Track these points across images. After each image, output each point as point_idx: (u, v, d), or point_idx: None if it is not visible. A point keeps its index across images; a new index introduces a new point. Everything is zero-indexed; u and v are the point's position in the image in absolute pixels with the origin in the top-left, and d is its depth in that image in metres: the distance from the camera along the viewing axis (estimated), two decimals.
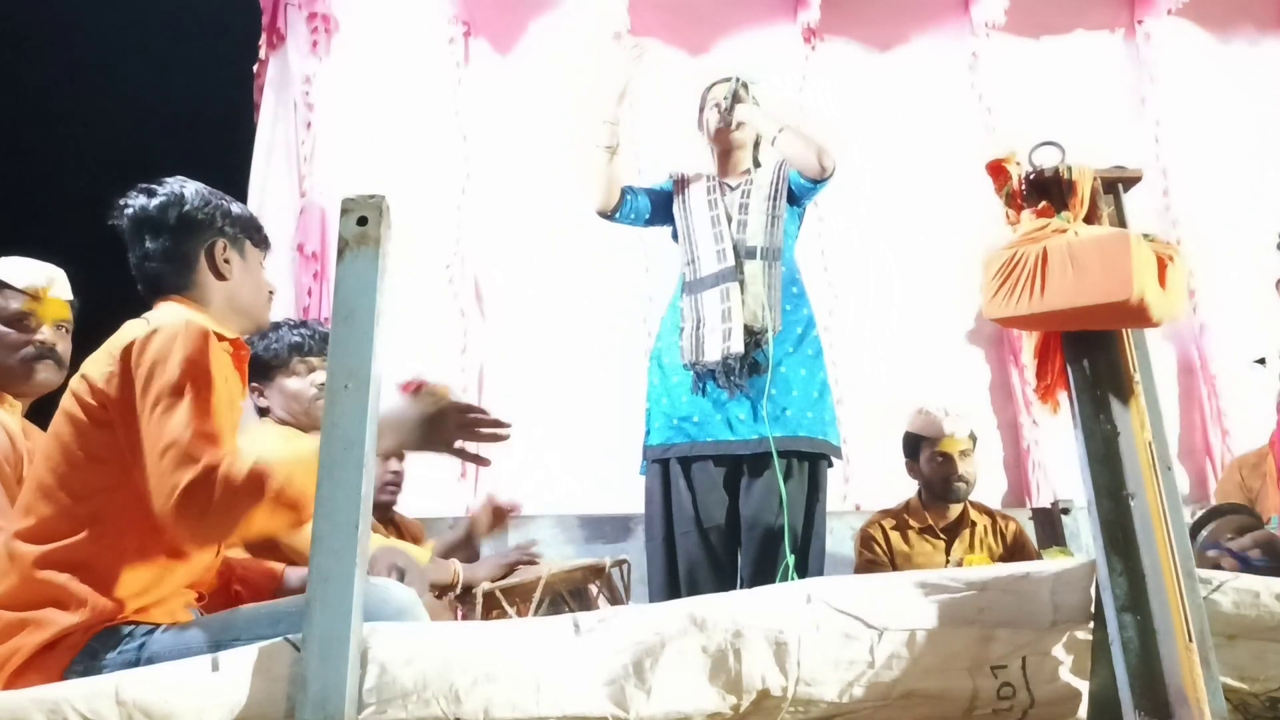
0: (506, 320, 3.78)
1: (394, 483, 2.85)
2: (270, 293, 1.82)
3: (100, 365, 1.51)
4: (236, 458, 1.42)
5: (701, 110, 2.98)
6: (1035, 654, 1.36)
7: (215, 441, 1.43)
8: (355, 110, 3.78)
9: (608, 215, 2.87)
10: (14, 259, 2.07)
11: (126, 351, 1.49)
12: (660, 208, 2.93)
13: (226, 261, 1.71)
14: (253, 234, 1.77)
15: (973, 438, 3.07)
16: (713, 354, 2.63)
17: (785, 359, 2.64)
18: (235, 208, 1.75)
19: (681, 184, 2.92)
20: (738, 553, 2.64)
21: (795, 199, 2.82)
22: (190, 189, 1.71)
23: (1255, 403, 3.43)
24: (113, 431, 1.48)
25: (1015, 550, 3.02)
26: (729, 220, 2.78)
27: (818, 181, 2.73)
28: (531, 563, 2.29)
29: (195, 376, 1.46)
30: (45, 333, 2.02)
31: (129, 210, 1.69)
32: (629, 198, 2.87)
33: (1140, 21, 4.29)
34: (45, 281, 2.05)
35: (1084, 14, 4.29)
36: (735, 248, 2.73)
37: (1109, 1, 4.33)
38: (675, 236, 2.94)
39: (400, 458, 2.99)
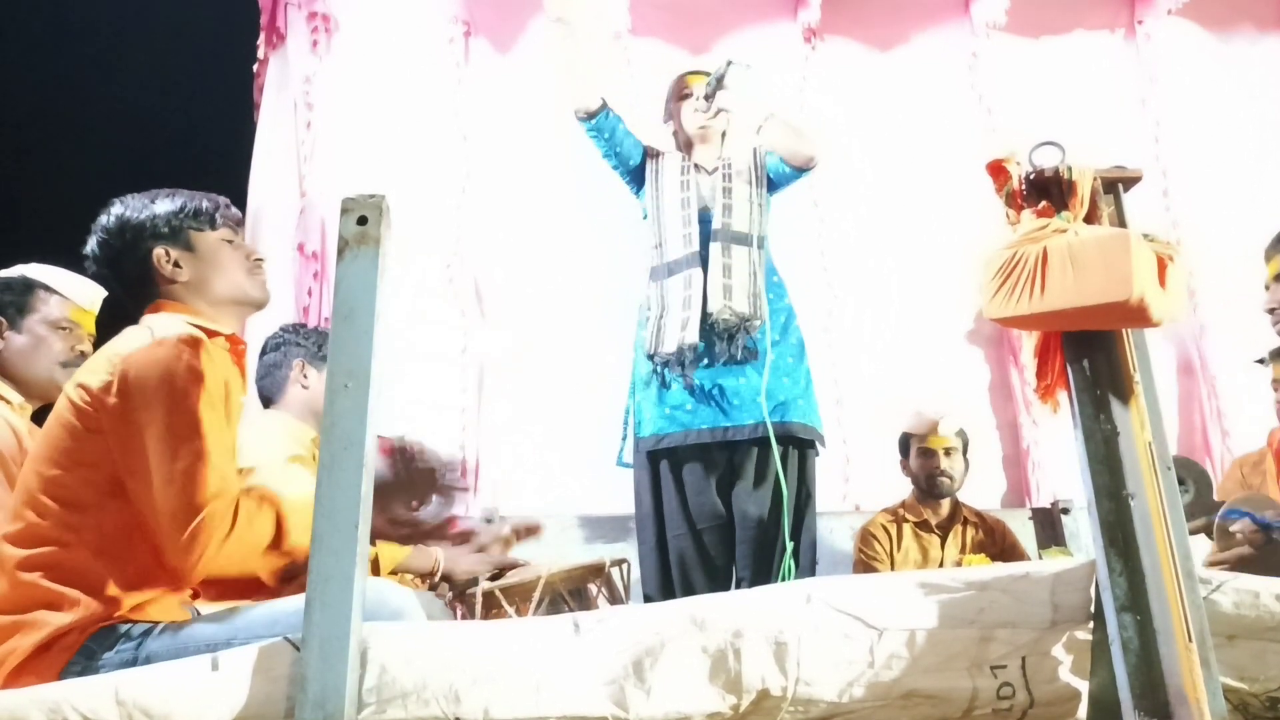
0: (506, 320, 3.78)
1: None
2: (256, 260, 1.74)
3: (99, 373, 1.50)
4: (238, 500, 1.46)
5: (673, 99, 2.93)
6: (1035, 654, 1.36)
7: (224, 481, 1.46)
8: (355, 110, 3.77)
9: (584, 118, 2.75)
10: (61, 270, 2.14)
11: (128, 361, 1.49)
12: (637, 158, 2.84)
13: (177, 265, 1.66)
14: (192, 222, 1.68)
15: (961, 437, 3.17)
16: (669, 344, 2.60)
17: (773, 347, 2.63)
18: (162, 206, 1.68)
19: (655, 158, 2.84)
20: (731, 550, 2.63)
21: (772, 187, 2.80)
22: (106, 218, 1.68)
23: (1255, 403, 3.43)
24: (105, 439, 1.48)
25: (1007, 549, 3.11)
26: (699, 204, 2.74)
27: (802, 170, 2.72)
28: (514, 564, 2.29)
29: (200, 398, 1.47)
30: (85, 345, 2.10)
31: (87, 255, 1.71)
32: (611, 114, 2.78)
33: (1140, 21, 4.29)
34: (94, 294, 2.13)
35: (1084, 14, 4.29)
36: (710, 234, 2.68)
37: (1109, 2, 4.33)
38: (645, 215, 2.87)
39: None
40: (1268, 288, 2.02)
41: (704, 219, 2.73)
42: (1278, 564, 1.84)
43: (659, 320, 2.65)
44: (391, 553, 2.09)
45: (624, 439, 2.82)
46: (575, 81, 2.71)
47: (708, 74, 2.86)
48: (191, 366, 1.48)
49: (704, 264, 2.66)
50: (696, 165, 2.82)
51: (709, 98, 2.78)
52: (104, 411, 1.47)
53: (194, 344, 1.51)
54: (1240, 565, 1.74)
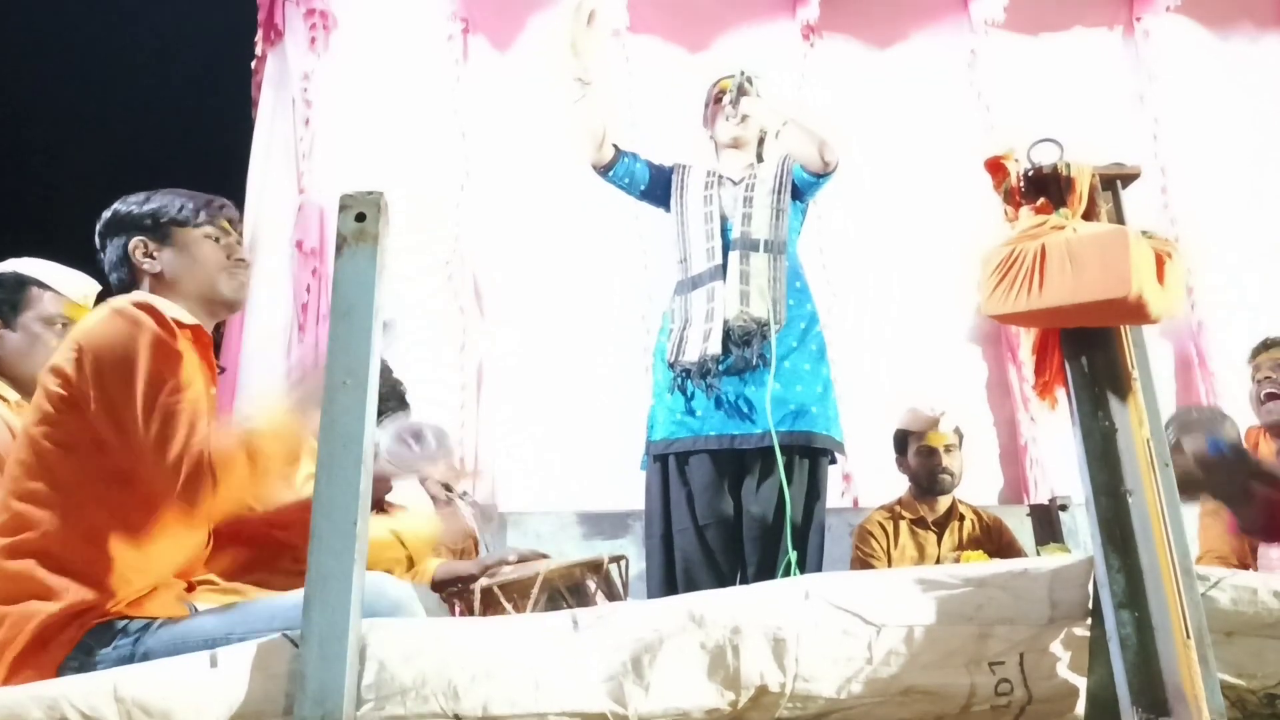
0: (506, 319, 3.78)
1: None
2: (237, 260, 1.74)
3: (64, 353, 1.52)
4: (215, 442, 1.46)
5: (707, 106, 2.95)
6: (1033, 650, 1.36)
7: (199, 431, 1.46)
8: (354, 107, 3.77)
9: (600, 171, 2.80)
10: (57, 265, 2.12)
11: (88, 334, 1.51)
12: (659, 184, 2.87)
13: (150, 256, 1.68)
14: (175, 216, 1.70)
15: (958, 433, 3.18)
16: (691, 354, 2.61)
17: (790, 354, 2.62)
18: (153, 202, 1.71)
19: (682, 175, 2.87)
20: (735, 550, 2.63)
21: (799, 194, 2.79)
22: (107, 211, 1.72)
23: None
24: (81, 415, 1.48)
25: (1004, 545, 3.11)
26: (723, 217, 2.75)
27: (820, 176, 2.70)
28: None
29: (164, 353, 1.49)
30: None
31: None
32: (626, 159, 2.82)
33: (1139, 19, 4.29)
34: (87, 288, 2.11)
35: (1083, 11, 4.29)
36: (730, 243, 2.70)
37: None
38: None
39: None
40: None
41: (726, 230, 2.74)
42: (1219, 485, 1.74)
43: (682, 331, 2.67)
44: (418, 529, 2.07)
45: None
46: (591, 141, 2.74)
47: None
48: (150, 328, 1.50)
49: (726, 275, 2.68)
50: (722, 177, 2.83)
51: (734, 103, 2.80)
52: (76, 386, 1.48)
53: (149, 308, 1.52)
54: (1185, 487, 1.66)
